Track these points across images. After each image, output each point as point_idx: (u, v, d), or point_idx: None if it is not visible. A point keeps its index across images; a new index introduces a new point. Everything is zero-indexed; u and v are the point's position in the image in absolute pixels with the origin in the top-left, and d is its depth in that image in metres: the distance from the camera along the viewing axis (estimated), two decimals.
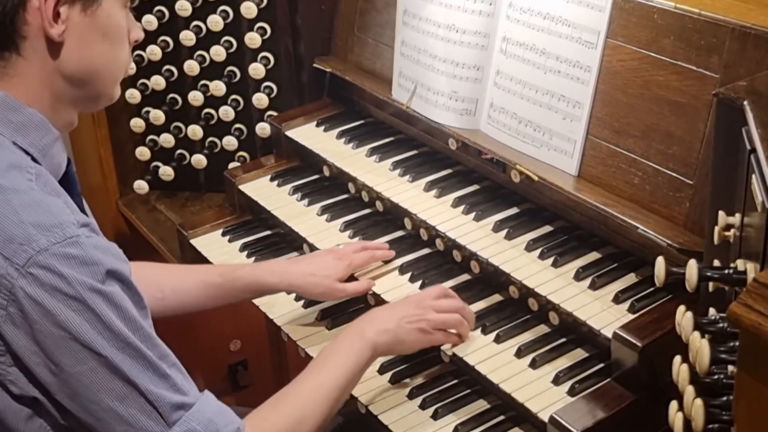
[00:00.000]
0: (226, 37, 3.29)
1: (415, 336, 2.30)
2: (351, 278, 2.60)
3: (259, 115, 3.35)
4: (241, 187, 3.09)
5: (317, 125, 3.19)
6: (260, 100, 3.31)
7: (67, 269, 1.74)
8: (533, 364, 2.27)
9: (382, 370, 2.41)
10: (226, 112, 3.36)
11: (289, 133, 3.17)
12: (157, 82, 3.39)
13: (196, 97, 3.35)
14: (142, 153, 3.50)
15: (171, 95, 3.42)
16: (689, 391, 1.65)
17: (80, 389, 1.80)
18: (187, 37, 3.29)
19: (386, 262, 2.67)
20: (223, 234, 3.03)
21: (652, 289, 2.28)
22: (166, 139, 3.46)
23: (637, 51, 2.35)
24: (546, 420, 2.10)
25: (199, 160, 3.42)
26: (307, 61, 3.27)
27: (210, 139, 3.43)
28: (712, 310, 1.81)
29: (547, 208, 2.62)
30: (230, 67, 3.32)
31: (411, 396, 2.35)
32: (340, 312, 2.64)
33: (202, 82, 3.35)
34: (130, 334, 1.80)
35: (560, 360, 2.29)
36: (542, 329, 2.39)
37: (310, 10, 3.23)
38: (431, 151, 2.97)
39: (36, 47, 1.87)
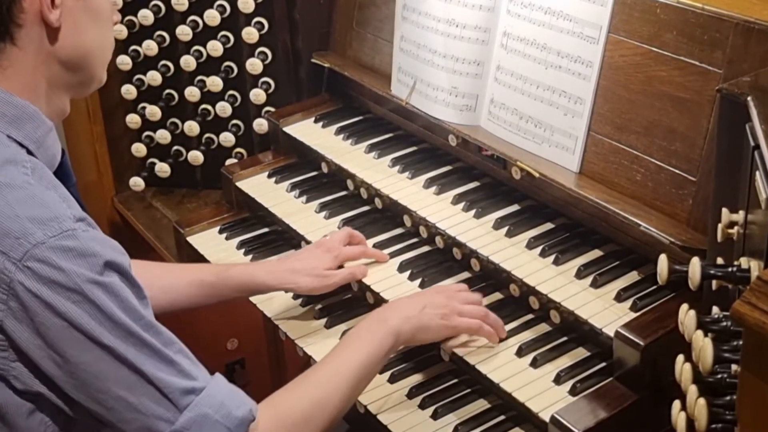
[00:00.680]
0: (223, 32, 3.29)
1: (438, 323, 2.31)
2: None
3: (257, 111, 3.35)
4: (239, 184, 3.09)
5: (315, 121, 3.19)
6: (258, 95, 3.30)
7: (64, 262, 1.75)
8: (534, 363, 2.27)
9: (381, 370, 2.40)
10: (223, 108, 3.36)
11: (286, 129, 3.17)
12: (153, 77, 3.38)
13: (192, 93, 3.35)
14: (138, 149, 3.50)
15: (167, 91, 3.42)
16: (692, 390, 1.65)
17: (87, 379, 1.81)
18: (184, 32, 3.29)
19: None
20: (220, 231, 3.03)
21: (654, 287, 2.28)
22: (163, 136, 3.46)
23: (639, 46, 2.35)
24: (547, 420, 2.10)
25: (196, 156, 3.42)
26: (305, 57, 3.27)
27: (207, 135, 3.43)
28: (715, 309, 1.81)
29: (549, 205, 2.62)
30: (227, 63, 3.32)
31: (410, 395, 2.35)
32: (339, 310, 2.64)
33: (199, 77, 3.35)
34: (132, 323, 1.81)
35: (561, 359, 2.29)
36: (543, 328, 2.39)
37: (308, 5, 3.23)
38: (431, 147, 2.97)
39: (32, 35, 1.87)
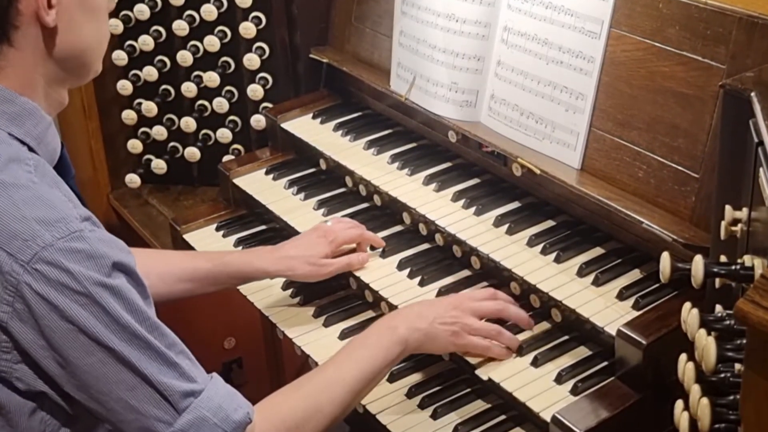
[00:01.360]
0: (220, 27, 3.29)
1: (448, 338, 2.28)
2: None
3: (254, 107, 3.34)
4: (236, 181, 3.09)
5: (313, 117, 3.19)
6: (255, 91, 3.30)
7: (73, 264, 1.77)
8: (535, 363, 2.27)
9: None
10: (220, 104, 3.36)
11: (284, 126, 3.16)
12: (150, 72, 3.38)
13: (189, 89, 3.35)
14: (134, 146, 3.50)
15: (164, 86, 3.42)
16: (695, 390, 1.65)
17: (89, 381, 1.83)
18: (180, 27, 3.29)
19: (379, 250, 2.68)
20: (217, 229, 3.03)
21: (657, 285, 2.27)
22: (159, 132, 3.46)
23: (641, 41, 2.35)
24: (548, 420, 2.10)
25: (193, 153, 3.42)
26: (303, 52, 3.26)
27: (204, 131, 3.42)
28: (718, 307, 1.81)
29: (550, 202, 2.62)
30: (224, 58, 3.32)
31: (410, 395, 2.35)
32: (337, 308, 2.64)
33: (196, 73, 3.35)
34: (138, 325, 1.83)
35: (563, 358, 2.29)
36: (544, 326, 2.39)
37: (306, 0, 3.23)
38: (430, 143, 2.97)
39: (28, 36, 1.88)
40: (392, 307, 2.51)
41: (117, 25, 3.32)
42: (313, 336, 2.57)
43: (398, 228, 2.79)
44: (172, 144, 3.48)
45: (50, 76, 1.95)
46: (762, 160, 1.63)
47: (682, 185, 2.27)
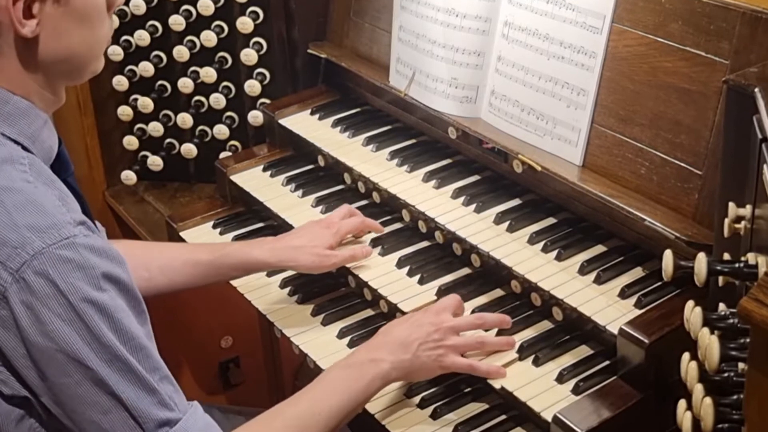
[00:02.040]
0: (217, 22, 3.28)
1: (432, 365, 2.26)
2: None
3: (252, 103, 3.34)
4: (233, 178, 3.09)
5: (312, 113, 3.19)
6: (252, 87, 3.30)
7: (61, 276, 1.75)
8: (536, 362, 2.27)
9: None
10: (217, 100, 3.35)
11: (282, 122, 3.16)
12: (146, 68, 3.38)
13: (185, 84, 3.35)
14: (130, 142, 3.50)
15: (160, 82, 3.41)
16: (698, 389, 1.65)
17: (65, 399, 1.81)
18: (177, 22, 3.29)
19: (378, 249, 2.68)
20: (214, 226, 3.03)
21: (659, 283, 2.27)
22: (155, 128, 3.45)
23: (644, 36, 2.35)
24: (549, 419, 2.10)
25: (189, 149, 3.42)
26: (301, 47, 3.26)
27: (200, 127, 3.42)
28: (721, 306, 1.81)
29: (551, 199, 2.62)
30: (221, 53, 3.32)
31: (409, 395, 2.35)
32: (336, 307, 2.64)
33: (192, 68, 3.35)
34: (121, 346, 1.80)
35: (564, 357, 2.29)
36: (545, 325, 2.39)
37: None
38: (430, 140, 2.97)
39: (10, 43, 1.87)
40: (391, 306, 2.52)
41: (112, 20, 3.31)
42: (312, 335, 2.57)
43: (397, 225, 2.79)
44: (168, 140, 3.48)
45: (42, 79, 1.94)
46: (766, 156, 1.63)
47: (684, 182, 2.27)
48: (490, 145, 2.71)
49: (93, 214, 1.97)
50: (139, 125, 3.48)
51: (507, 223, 2.55)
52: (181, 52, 3.31)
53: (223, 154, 3.36)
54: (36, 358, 1.78)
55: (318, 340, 2.54)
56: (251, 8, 3.24)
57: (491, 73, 2.70)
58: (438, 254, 2.66)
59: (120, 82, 3.41)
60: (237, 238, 2.94)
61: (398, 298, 2.50)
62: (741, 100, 1.81)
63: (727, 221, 1.77)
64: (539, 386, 2.21)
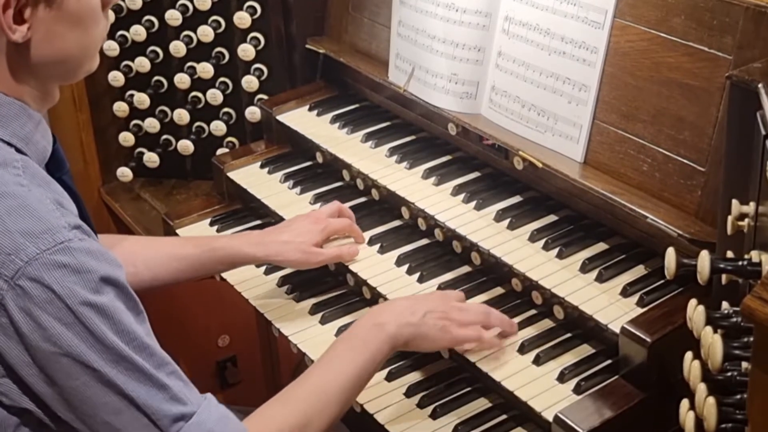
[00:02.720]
0: (214, 17, 3.28)
1: (439, 333, 2.26)
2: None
3: (249, 99, 3.34)
4: (230, 175, 3.09)
5: (310, 109, 3.18)
6: (250, 82, 3.30)
7: (58, 281, 1.75)
8: (537, 361, 2.27)
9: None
10: (214, 96, 3.35)
11: (280, 118, 3.16)
12: (142, 63, 3.38)
13: (182, 80, 3.35)
14: (126, 138, 3.50)
15: (156, 78, 3.41)
16: (701, 388, 1.65)
17: (75, 402, 1.82)
18: (173, 17, 3.29)
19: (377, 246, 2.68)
20: (211, 224, 3.03)
21: (662, 281, 2.27)
22: (151, 124, 3.45)
23: (646, 31, 2.35)
24: (550, 419, 2.10)
25: (186, 146, 3.42)
26: (299, 42, 3.26)
27: (197, 123, 3.42)
28: (725, 304, 1.81)
29: (552, 196, 2.62)
30: (218, 48, 3.32)
31: (408, 394, 2.35)
32: (334, 305, 2.64)
33: (189, 63, 3.34)
34: (125, 346, 1.81)
35: (565, 356, 2.29)
36: (546, 324, 2.39)
37: None
38: (430, 136, 2.97)
39: (1, 47, 1.87)
40: None
41: (108, 19, 3.30)
42: (310, 333, 2.57)
43: (397, 223, 2.79)
44: (164, 137, 3.48)
45: (34, 80, 1.94)
46: None
47: (687, 179, 2.27)
48: (490, 141, 2.71)
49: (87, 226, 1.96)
50: (135, 121, 3.48)
51: (508, 220, 2.55)
52: (177, 48, 3.31)
53: (220, 151, 3.36)
54: (42, 365, 1.78)
55: (316, 338, 2.54)
56: (248, 3, 3.23)
57: (491, 68, 2.70)
58: (438, 252, 2.66)
59: (116, 78, 3.41)
60: None
61: (397, 296, 2.50)
62: (744, 95, 1.81)
63: (730, 218, 1.77)
64: (540, 385, 2.21)
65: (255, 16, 3.24)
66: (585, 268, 2.36)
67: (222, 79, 3.35)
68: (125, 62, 3.39)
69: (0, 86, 1.90)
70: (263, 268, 2.76)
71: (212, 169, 3.17)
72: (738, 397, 1.59)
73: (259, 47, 3.27)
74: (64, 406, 1.82)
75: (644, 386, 2.12)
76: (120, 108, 3.46)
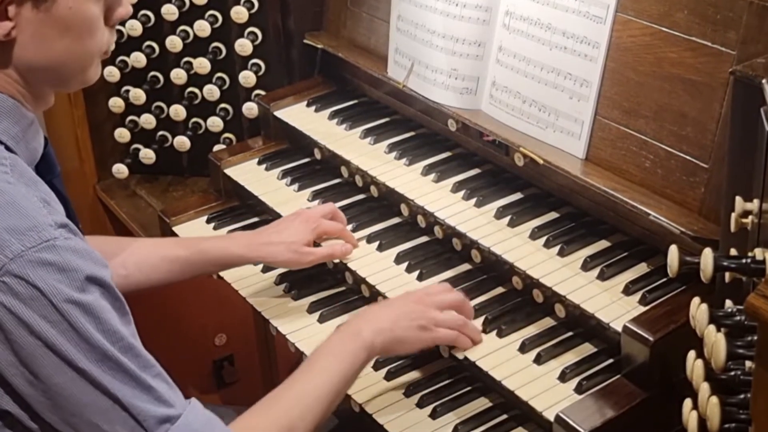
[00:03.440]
0: (211, 11, 3.28)
1: (415, 334, 2.29)
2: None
3: (246, 95, 3.34)
4: (227, 171, 3.09)
5: (308, 105, 3.18)
6: (247, 78, 3.30)
7: (42, 279, 1.74)
8: (538, 360, 2.27)
9: (377, 367, 2.41)
10: (211, 91, 3.35)
11: (278, 114, 3.16)
12: (138, 59, 3.38)
13: (178, 75, 3.34)
14: (122, 134, 3.50)
15: (152, 73, 3.41)
16: (704, 388, 1.65)
17: (60, 401, 1.81)
18: (170, 12, 3.29)
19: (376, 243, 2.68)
20: (208, 221, 3.03)
21: (664, 279, 2.27)
22: (147, 120, 3.45)
23: (648, 26, 2.35)
24: (552, 419, 2.10)
25: (182, 142, 3.42)
26: (297, 37, 3.26)
27: (194, 119, 3.42)
28: (728, 302, 1.81)
29: (553, 193, 2.62)
30: (215, 43, 3.32)
31: (408, 394, 2.35)
32: (332, 304, 2.64)
33: (186, 59, 3.34)
34: (110, 346, 1.80)
35: (567, 355, 2.29)
36: (548, 322, 2.39)
37: None
38: (429, 132, 2.97)
39: None
40: None
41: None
42: (308, 332, 2.57)
43: (396, 220, 2.79)
44: (161, 133, 3.48)
45: (23, 81, 1.93)
46: None
47: (690, 176, 2.26)
48: (490, 137, 2.71)
49: (83, 211, 1.96)
50: (130, 117, 3.48)
51: (508, 217, 2.55)
52: (173, 43, 3.31)
53: (216, 147, 3.36)
54: (26, 361, 1.77)
55: (314, 337, 2.53)
56: None
57: (492, 63, 2.70)
58: (437, 250, 2.66)
59: (111, 73, 3.40)
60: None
61: (396, 295, 2.50)
62: (748, 91, 1.81)
63: (733, 216, 1.77)
64: (541, 385, 2.21)
65: (252, 11, 3.23)
66: (586, 265, 2.36)
67: (219, 74, 3.35)
68: (121, 57, 3.39)
69: None
70: (260, 266, 2.76)
71: (209, 166, 3.17)
72: (741, 396, 1.59)
73: (257, 42, 3.27)
74: (49, 407, 1.81)
75: (646, 385, 2.13)
76: (116, 104, 3.46)
